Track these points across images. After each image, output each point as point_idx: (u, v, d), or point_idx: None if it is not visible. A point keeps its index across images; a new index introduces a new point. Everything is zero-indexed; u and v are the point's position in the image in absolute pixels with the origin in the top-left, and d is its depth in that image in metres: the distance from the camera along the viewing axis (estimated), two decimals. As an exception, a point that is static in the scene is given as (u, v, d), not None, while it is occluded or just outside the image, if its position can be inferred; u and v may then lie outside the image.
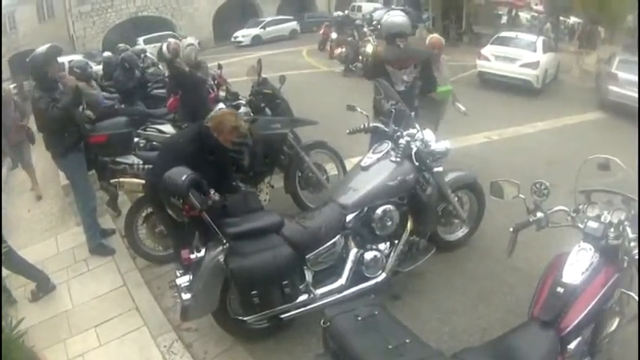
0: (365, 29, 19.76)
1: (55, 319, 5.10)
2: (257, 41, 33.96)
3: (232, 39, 35.07)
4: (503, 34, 18.06)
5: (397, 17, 6.34)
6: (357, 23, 21.31)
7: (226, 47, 33.79)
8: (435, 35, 6.89)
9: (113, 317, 4.96)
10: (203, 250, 3.91)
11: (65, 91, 5.67)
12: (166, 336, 4.55)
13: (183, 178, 3.78)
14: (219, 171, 4.62)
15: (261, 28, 35.64)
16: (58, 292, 5.64)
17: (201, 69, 8.32)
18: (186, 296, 3.87)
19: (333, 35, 22.64)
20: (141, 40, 29.80)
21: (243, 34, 34.92)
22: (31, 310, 5.13)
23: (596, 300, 2.75)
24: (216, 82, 8.21)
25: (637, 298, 2.92)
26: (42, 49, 5.70)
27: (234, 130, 4.48)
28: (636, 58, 17.13)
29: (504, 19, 32.85)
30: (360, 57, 17.10)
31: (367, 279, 4.30)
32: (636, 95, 13.57)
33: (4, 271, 5.36)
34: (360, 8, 37.28)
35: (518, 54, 15.54)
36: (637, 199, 3.16)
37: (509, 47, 16.09)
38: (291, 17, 38.54)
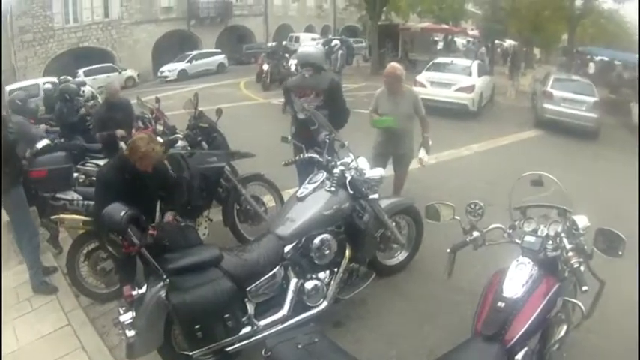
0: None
1: None
2: (183, 76, 33.84)
3: (159, 74, 34.81)
4: (439, 60, 18.65)
5: (305, 48, 6.57)
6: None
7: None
8: (391, 64, 6.79)
9: (60, 357, 4.85)
10: (145, 286, 3.92)
11: (15, 120, 5.60)
12: None
13: (122, 214, 3.83)
14: (153, 198, 4.69)
15: (187, 62, 35.54)
16: (5, 332, 5.43)
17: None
18: (130, 333, 3.83)
19: (265, 67, 22.92)
20: (81, 71, 29.36)
21: (169, 69, 34.71)
22: None
23: (538, 310, 2.86)
24: (154, 115, 8.17)
25: (582, 306, 3.09)
26: None
27: (145, 156, 4.43)
28: (570, 77, 18.08)
29: (440, 45, 33.93)
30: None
31: (309, 308, 4.37)
32: (571, 111, 14.33)
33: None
34: (297, 39, 38.05)
35: (453, 79, 16.02)
36: (571, 210, 3.36)
37: (444, 73, 16.61)
38: (219, 51, 38.90)
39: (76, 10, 35.65)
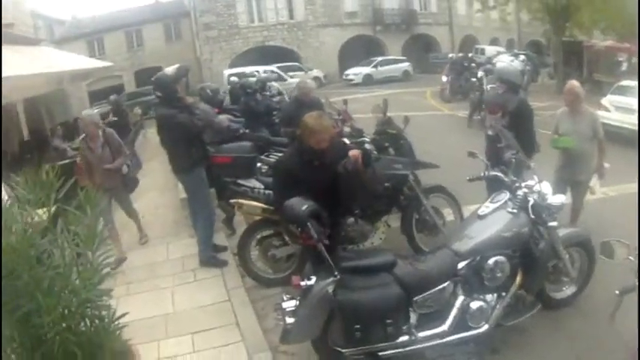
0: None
1: (154, 319, 5.35)
2: (368, 80, 34.16)
3: (344, 77, 35.50)
4: (623, 82, 17.17)
5: (502, 63, 6.35)
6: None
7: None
8: (570, 81, 6.50)
9: (212, 328, 5.13)
10: (314, 279, 4.00)
11: (201, 108, 6.04)
12: (262, 355, 4.64)
13: (304, 207, 3.93)
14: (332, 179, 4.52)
15: (372, 67, 35.82)
16: (162, 295, 5.94)
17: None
18: (289, 320, 3.96)
19: (444, 78, 22.28)
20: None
21: (355, 73, 35.25)
22: (132, 307, 5.21)
23: None
24: (341, 117, 8.27)
25: None
26: (172, 68, 6.14)
27: (314, 131, 4.35)
28: None
29: (624, 66, 31.21)
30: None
31: (470, 328, 4.23)
32: None
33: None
34: (483, 51, 36.62)
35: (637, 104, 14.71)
36: None
37: (628, 97, 15.21)
38: (404, 58, 38.59)
39: (260, 11, 38.01)
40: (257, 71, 24.80)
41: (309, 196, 4.10)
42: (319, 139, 4.33)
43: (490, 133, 5.92)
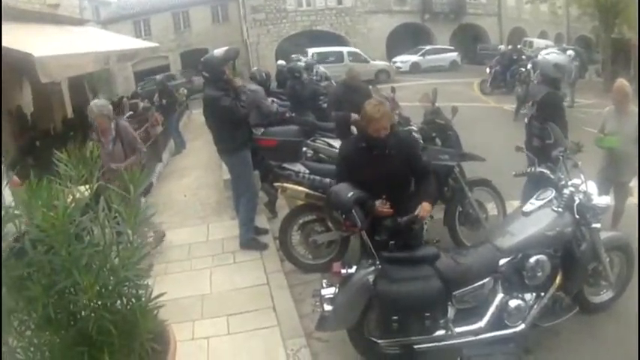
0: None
1: (190, 299, 5.39)
2: (415, 69, 33.94)
3: (391, 64, 35.08)
4: None
5: (540, 57, 6.35)
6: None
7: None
8: (620, 80, 6.34)
9: (248, 311, 5.15)
10: (354, 267, 4.04)
11: (245, 90, 6.09)
12: (296, 340, 4.64)
13: (350, 194, 3.97)
14: (391, 166, 4.43)
15: (420, 55, 35.58)
16: (200, 275, 5.99)
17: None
18: (327, 307, 4.00)
19: (487, 70, 21.95)
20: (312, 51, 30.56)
21: (402, 60, 35.06)
22: (169, 286, 5.43)
23: None
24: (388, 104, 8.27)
25: None
26: (221, 50, 6.16)
27: (372, 119, 4.25)
28: None
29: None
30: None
31: (506, 327, 4.20)
32: None
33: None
34: (531, 44, 36.08)
35: None
36: None
37: None
38: (452, 48, 38.14)
39: (308, -5, 37.82)
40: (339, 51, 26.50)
41: (366, 186, 4.12)
42: (378, 127, 4.26)
43: (525, 120, 5.93)
